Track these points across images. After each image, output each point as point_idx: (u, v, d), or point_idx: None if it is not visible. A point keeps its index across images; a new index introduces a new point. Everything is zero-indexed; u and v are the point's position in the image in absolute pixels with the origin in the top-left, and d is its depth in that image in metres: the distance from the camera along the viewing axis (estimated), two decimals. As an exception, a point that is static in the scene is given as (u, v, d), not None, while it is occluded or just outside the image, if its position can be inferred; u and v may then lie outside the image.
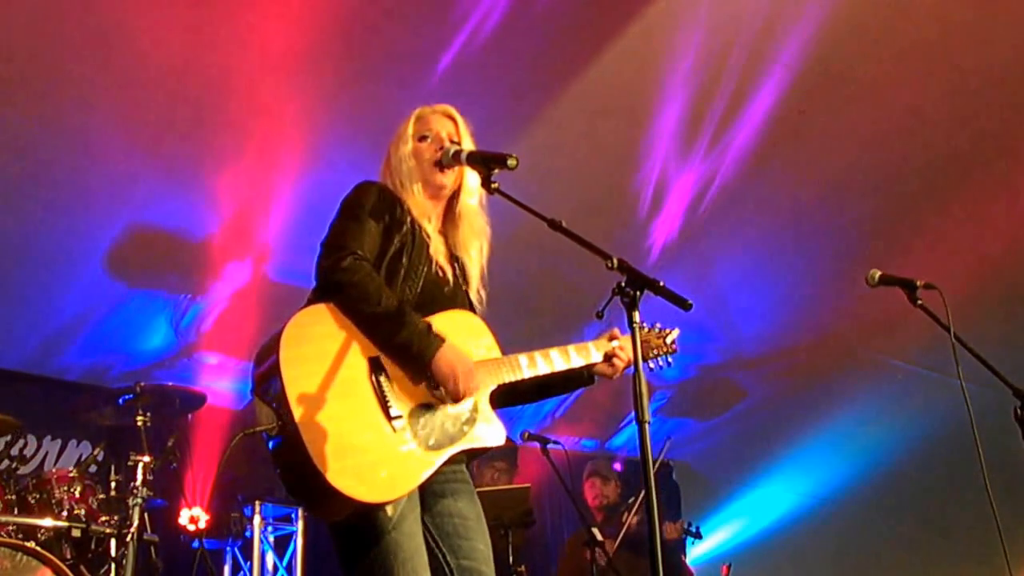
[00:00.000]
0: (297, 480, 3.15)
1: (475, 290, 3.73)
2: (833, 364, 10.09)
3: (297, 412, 3.08)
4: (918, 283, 4.51)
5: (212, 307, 8.17)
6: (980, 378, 4.39)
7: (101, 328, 7.93)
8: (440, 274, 3.57)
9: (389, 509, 3.20)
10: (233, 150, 6.88)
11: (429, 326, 3.30)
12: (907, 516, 10.83)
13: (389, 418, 3.21)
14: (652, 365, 3.98)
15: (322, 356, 3.21)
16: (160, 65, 6.27)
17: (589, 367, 3.76)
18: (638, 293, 3.11)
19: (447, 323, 3.44)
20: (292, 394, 3.10)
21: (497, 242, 3.83)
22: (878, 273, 4.61)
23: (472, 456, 3.56)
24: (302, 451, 3.04)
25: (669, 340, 4.06)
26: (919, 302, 4.52)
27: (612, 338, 3.76)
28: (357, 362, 3.25)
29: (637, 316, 3.09)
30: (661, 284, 3.17)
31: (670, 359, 4.05)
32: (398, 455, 3.19)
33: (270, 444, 3.20)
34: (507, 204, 3.44)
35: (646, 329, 3.99)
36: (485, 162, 3.49)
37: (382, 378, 3.26)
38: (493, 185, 3.45)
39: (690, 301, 3.16)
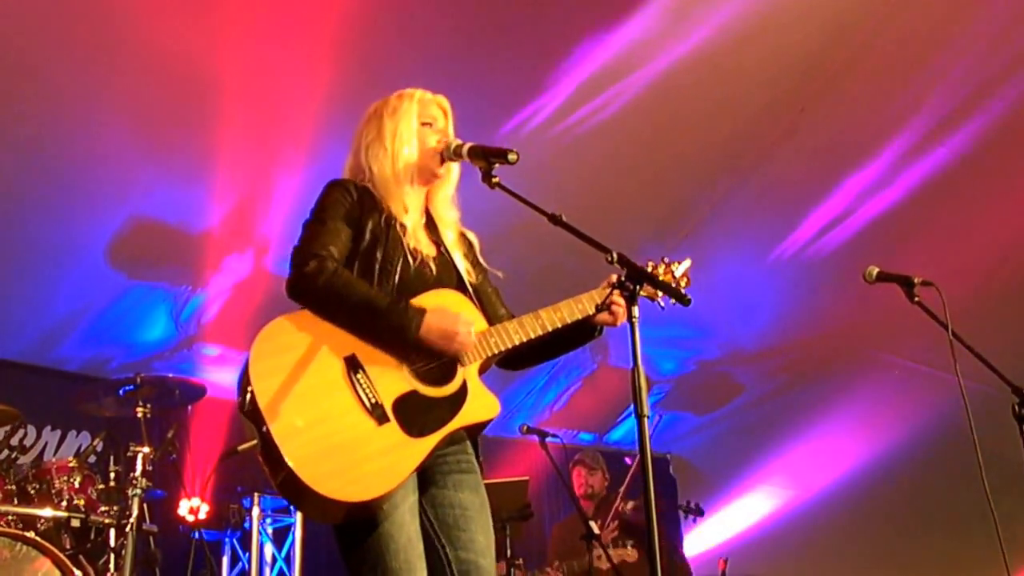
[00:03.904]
0: (287, 490, 3.16)
1: (464, 268, 3.70)
2: (831, 360, 10.08)
3: (272, 423, 3.10)
4: (916, 280, 4.51)
5: (213, 299, 8.17)
6: (978, 375, 4.39)
7: (101, 319, 7.94)
8: (420, 261, 3.54)
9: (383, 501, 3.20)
10: (234, 142, 6.88)
11: (407, 304, 3.31)
12: (904, 512, 10.84)
13: (371, 413, 3.21)
14: (662, 303, 3.76)
15: (293, 364, 3.22)
16: (162, 57, 6.28)
17: (589, 319, 3.63)
18: (637, 287, 3.12)
19: (424, 303, 3.41)
20: (265, 407, 3.12)
21: (496, 236, 3.83)
22: (876, 270, 4.60)
23: (472, 433, 3.54)
24: (283, 462, 3.06)
25: (679, 273, 3.86)
26: (917, 299, 4.52)
27: (609, 284, 3.60)
28: (332, 363, 3.26)
29: (636, 310, 3.10)
30: (661, 278, 3.16)
31: (668, 300, 3.71)
32: (384, 448, 3.19)
33: (260, 458, 3.21)
34: (504, 198, 3.45)
35: (651, 265, 3.83)
36: (486, 156, 3.48)
37: (359, 375, 3.26)
38: (494, 179, 3.45)
39: (689, 296, 3.17)
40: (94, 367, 8.34)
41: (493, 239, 3.90)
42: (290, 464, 3.05)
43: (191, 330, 8.37)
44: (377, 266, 3.45)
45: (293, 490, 3.10)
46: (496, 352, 3.47)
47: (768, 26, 6.73)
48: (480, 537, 3.44)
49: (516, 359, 3.72)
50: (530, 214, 3.36)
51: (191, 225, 7.55)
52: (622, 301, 3.52)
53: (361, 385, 3.24)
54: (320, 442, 3.12)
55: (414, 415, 3.26)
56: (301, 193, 7.15)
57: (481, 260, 3.84)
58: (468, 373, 3.41)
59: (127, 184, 7.11)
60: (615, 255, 3.12)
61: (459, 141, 3.61)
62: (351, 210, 3.50)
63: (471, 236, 3.85)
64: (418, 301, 3.41)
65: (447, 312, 3.33)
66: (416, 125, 3.67)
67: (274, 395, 3.15)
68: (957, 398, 4.27)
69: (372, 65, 6.50)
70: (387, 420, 3.22)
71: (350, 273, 3.36)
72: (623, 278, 3.14)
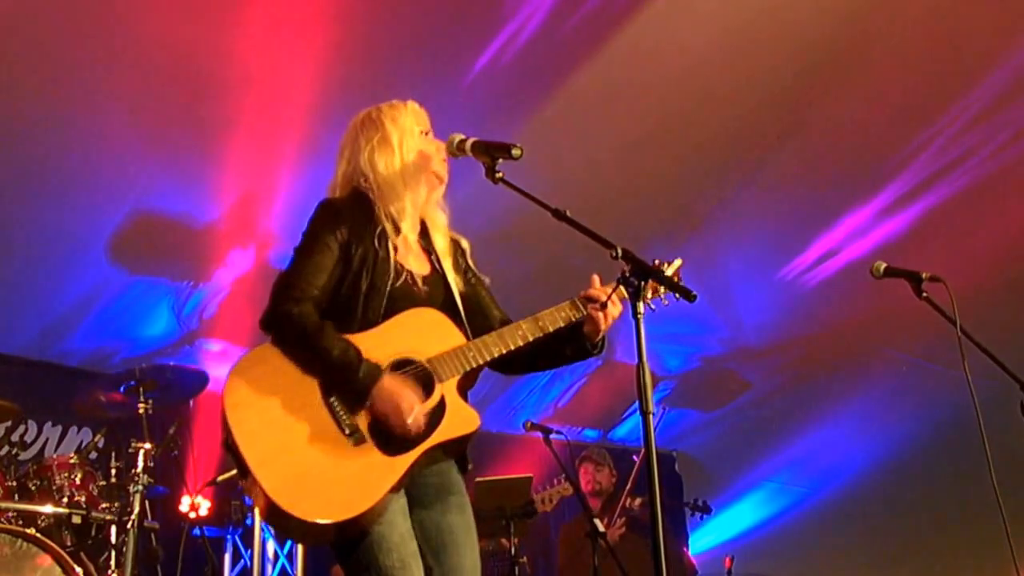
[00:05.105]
0: (270, 518, 3.25)
1: (454, 279, 3.71)
2: (837, 356, 10.06)
3: (248, 453, 3.16)
4: (924, 275, 4.50)
5: (215, 294, 8.16)
6: (986, 371, 4.37)
7: (103, 314, 7.92)
8: (410, 279, 3.56)
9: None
10: (237, 137, 6.87)
11: (366, 373, 3.27)
12: (911, 509, 10.81)
13: (348, 435, 3.24)
14: (653, 306, 3.71)
15: (268, 393, 3.27)
16: (164, 52, 6.26)
17: (574, 326, 3.61)
18: (643, 283, 3.09)
19: (400, 328, 3.45)
20: (240, 438, 3.18)
21: (498, 231, 3.82)
22: (883, 265, 4.60)
23: (456, 450, 3.52)
24: (261, 489, 3.11)
25: (670, 272, 3.80)
26: (924, 294, 4.51)
27: (587, 296, 3.62)
28: (308, 389, 3.29)
29: (642, 306, 3.07)
30: (665, 274, 3.14)
31: (676, 295, 3.62)
32: (360, 468, 3.21)
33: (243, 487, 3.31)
34: (509, 194, 3.43)
35: None
36: (489, 151, 3.49)
37: (333, 399, 3.29)
38: (498, 175, 3.47)
39: (694, 292, 3.14)
40: (96, 362, 8.33)
41: (493, 235, 3.87)
42: (266, 490, 3.10)
43: (193, 325, 8.35)
44: (362, 296, 3.46)
45: (274, 516, 3.17)
46: (474, 366, 3.47)
47: (776, 18, 6.69)
48: (467, 562, 3.48)
49: (510, 365, 3.73)
50: (531, 209, 3.34)
51: (193, 220, 7.53)
52: (603, 296, 3.55)
53: (337, 408, 3.28)
54: (296, 467, 3.17)
55: (391, 434, 3.27)
56: (304, 188, 7.14)
57: (471, 265, 3.85)
58: (446, 389, 3.41)
59: (129, 179, 7.10)
60: (620, 251, 3.10)
61: (462, 136, 3.61)
62: (341, 231, 3.51)
63: (463, 242, 3.87)
64: (395, 323, 3.44)
65: (394, 394, 3.28)
66: (417, 131, 3.74)
67: (249, 424, 3.21)
68: (965, 394, 4.26)
69: (375, 62, 6.48)
70: (364, 441, 3.25)
71: (316, 319, 3.36)
72: (628, 274, 3.12)
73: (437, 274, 3.67)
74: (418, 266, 3.64)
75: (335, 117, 6.62)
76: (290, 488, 3.12)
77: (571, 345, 3.65)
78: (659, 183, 7.98)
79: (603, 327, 3.58)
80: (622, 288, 3.49)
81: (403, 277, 3.53)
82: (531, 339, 3.54)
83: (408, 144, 3.67)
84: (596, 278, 3.62)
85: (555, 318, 3.58)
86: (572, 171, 7.33)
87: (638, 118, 7.33)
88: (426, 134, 3.75)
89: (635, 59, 6.85)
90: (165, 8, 6.08)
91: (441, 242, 3.75)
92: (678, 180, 8.01)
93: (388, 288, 3.48)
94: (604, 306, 3.56)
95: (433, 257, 3.70)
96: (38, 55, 6.15)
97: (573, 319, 3.59)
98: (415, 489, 3.41)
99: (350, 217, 3.55)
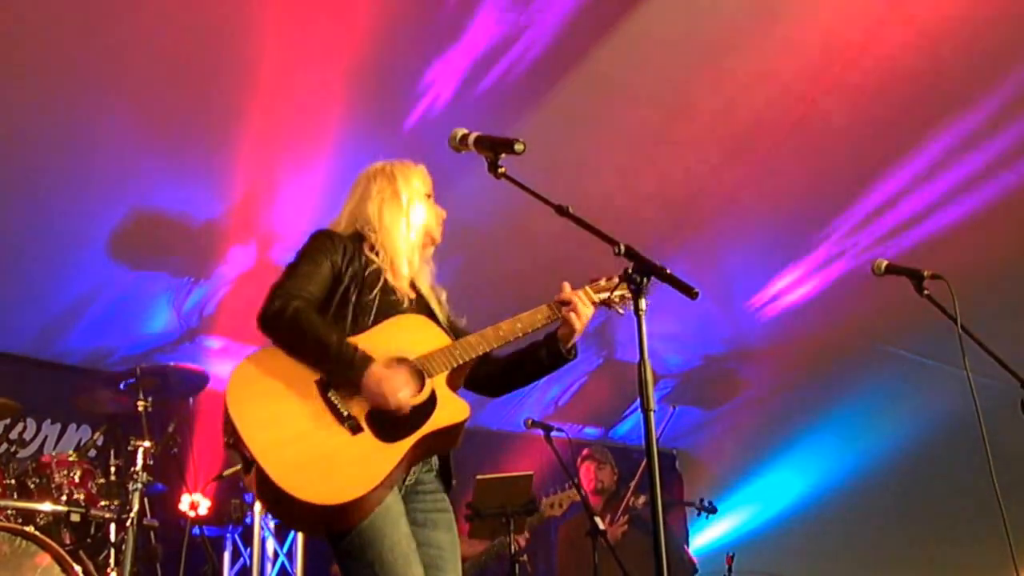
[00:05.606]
0: (275, 505, 3.39)
1: (437, 307, 3.93)
2: (838, 355, 10.04)
3: (253, 445, 3.31)
4: (925, 273, 4.51)
5: (215, 291, 8.13)
6: (987, 369, 4.37)
7: (103, 312, 7.89)
8: (396, 295, 3.77)
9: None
10: (239, 134, 6.84)
11: (354, 354, 3.43)
12: (911, 507, 10.80)
13: (345, 425, 3.40)
14: (621, 310, 3.86)
15: (269, 390, 3.43)
16: (165, 47, 6.24)
17: (552, 333, 3.80)
18: (645, 280, 3.10)
19: (388, 332, 3.63)
20: (245, 431, 3.33)
21: (499, 227, 3.83)
22: (885, 262, 4.62)
23: (447, 444, 3.64)
24: (266, 477, 3.24)
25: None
26: (926, 292, 4.52)
27: (560, 300, 3.80)
28: (306, 385, 3.46)
29: (644, 304, 3.08)
30: (668, 271, 3.15)
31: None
32: (359, 455, 3.36)
33: (245, 481, 3.45)
34: (510, 191, 3.45)
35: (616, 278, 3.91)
36: (492, 147, 3.56)
37: (331, 393, 3.45)
38: (500, 170, 3.57)
39: (696, 289, 3.14)
40: (95, 360, 8.31)
41: (493, 231, 3.88)
42: (271, 476, 3.23)
43: (193, 322, 8.33)
44: (352, 304, 3.65)
45: (277, 503, 3.31)
46: (461, 362, 3.63)
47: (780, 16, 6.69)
48: None
49: (491, 381, 3.97)
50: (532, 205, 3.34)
51: (194, 216, 7.51)
52: (575, 298, 3.74)
53: (335, 401, 3.43)
54: (299, 455, 3.31)
55: (386, 424, 3.42)
56: (306, 185, 7.13)
57: (449, 312, 4.03)
58: (436, 384, 3.57)
59: (130, 175, 7.07)
60: (622, 247, 3.14)
61: (465, 131, 3.66)
62: (333, 256, 3.70)
63: (442, 294, 4.05)
64: (384, 326, 3.64)
65: (384, 377, 3.43)
66: (425, 200, 3.97)
67: (251, 418, 3.36)
68: (965, 392, 4.26)
69: (379, 58, 6.47)
70: (361, 430, 3.39)
71: (313, 314, 3.53)
72: (630, 271, 3.15)
73: (423, 301, 3.89)
74: (406, 291, 3.84)
75: (338, 113, 6.68)
76: (293, 473, 3.24)
77: (546, 351, 3.82)
78: (658, 180, 7.97)
79: (577, 328, 3.74)
80: (589, 290, 3.78)
81: (392, 294, 3.74)
82: (511, 339, 3.72)
83: (414, 205, 3.91)
84: (566, 284, 3.79)
85: (533, 320, 3.75)
86: (571, 170, 7.31)
87: (639, 117, 7.31)
88: (429, 197, 3.97)
89: (635, 58, 6.83)
90: (167, 6, 6.06)
91: (425, 286, 3.96)
92: (680, 177, 8.00)
93: (377, 301, 3.67)
94: (570, 309, 3.74)
95: (416, 288, 3.92)
96: (37, 48, 6.13)
97: (551, 321, 3.77)
98: (408, 501, 3.58)
99: (343, 247, 3.74)
